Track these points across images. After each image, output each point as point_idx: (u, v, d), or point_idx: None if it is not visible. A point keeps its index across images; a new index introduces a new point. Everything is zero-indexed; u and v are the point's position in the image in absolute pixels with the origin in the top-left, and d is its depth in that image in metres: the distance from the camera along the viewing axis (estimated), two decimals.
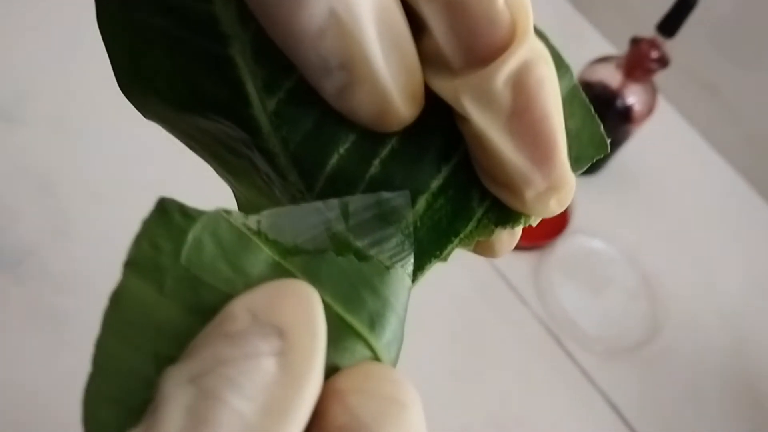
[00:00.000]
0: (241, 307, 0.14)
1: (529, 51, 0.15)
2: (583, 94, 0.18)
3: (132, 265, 0.14)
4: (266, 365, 0.13)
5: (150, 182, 0.61)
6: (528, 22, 0.16)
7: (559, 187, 0.16)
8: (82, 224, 0.60)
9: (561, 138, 0.16)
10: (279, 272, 0.15)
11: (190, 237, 0.15)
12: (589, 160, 0.18)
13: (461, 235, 0.18)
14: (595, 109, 0.66)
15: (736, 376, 0.68)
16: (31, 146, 0.63)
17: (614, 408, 0.61)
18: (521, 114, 0.15)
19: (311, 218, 0.16)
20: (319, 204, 0.16)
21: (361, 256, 0.16)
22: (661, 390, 0.64)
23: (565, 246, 0.68)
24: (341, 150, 0.17)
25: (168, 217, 0.15)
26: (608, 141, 0.18)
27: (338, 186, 0.17)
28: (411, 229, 0.17)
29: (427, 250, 0.17)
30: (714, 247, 0.76)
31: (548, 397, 0.61)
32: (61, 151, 0.63)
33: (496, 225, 0.18)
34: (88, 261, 0.58)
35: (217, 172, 0.20)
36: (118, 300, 0.14)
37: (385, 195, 0.16)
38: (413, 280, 0.17)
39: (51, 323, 0.56)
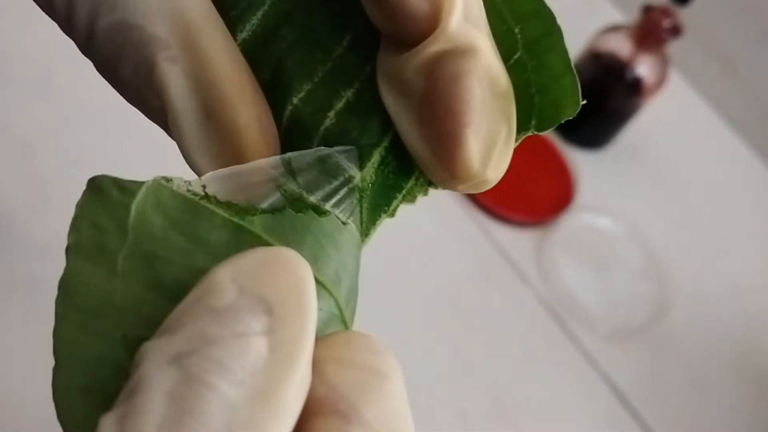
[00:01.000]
0: (226, 277, 0.13)
1: (448, 43, 0.15)
2: (565, 48, 0.18)
3: (76, 249, 0.14)
4: (256, 346, 0.12)
5: (133, 150, 0.60)
6: (450, 14, 0.15)
7: (464, 180, 0.16)
8: (62, 190, 0.59)
9: (467, 136, 0.15)
10: (242, 235, 0.15)
11: (133, 211, 0.14)
12: (556, 120, 0.18)
13: (404, 191, 0.18)
14: (604, 80, 0.63)
15: (745, 359, 0.66)
16: (13, 108, 0.62)
17: (617, 392, 0.60)
18: (428, 107, 0.16)
19: (256, 177, 0.15)
20: (261, 162, 0.15)
21: (320, 211, 0.16)
22: (666, 374, 0.63)
23: (569, 223, 0.67)
24: (295, 100, 0.17)
25: (104, 195, 0.14)
26: (581, 101, 0.18)
27: (293, 137, 0.17)
28: (359, 184, 0.16)
29: (378, 205, 0.17)
30: (725, 226, 0.75)
31: (549, 380, 0.60)
32: (43, 115, 0.62)
33: (429, 184, 0.18)
34: (66, 227, 0.57)
35: None
36: (67, 287, 0.14)
37: (327, 150, 0.16)
38: (366, 236, 0.17)
39: (27, 289, 0.55)
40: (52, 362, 0.14)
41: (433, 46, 0.15)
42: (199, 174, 0.16)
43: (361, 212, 0.17)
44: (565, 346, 0.61)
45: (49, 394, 0.14)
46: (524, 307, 0.62)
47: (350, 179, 0.16)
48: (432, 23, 0.15)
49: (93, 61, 0.16)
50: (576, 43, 0.70)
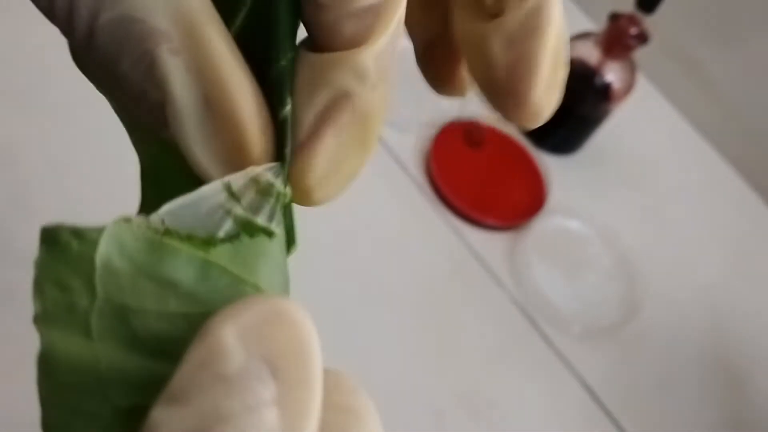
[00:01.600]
0: (230, 337, 0.13)
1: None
2: None
3: (45, 318, 0.13)
4: (268, 417, 0.12)
5: (114, 157, 0.60)
6: (389, 20, 0.17)
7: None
8: (44, 198, 0.59)
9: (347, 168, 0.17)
10: (209, 270, 0.14)
11: (98, 262, 0.13)
12: None
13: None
14: (573, 86, 0.65)
15: (713, 358, 0.68)
16: None
17: (589, 390, 0.61)
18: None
19: (206, 204, 0.15)
20: (203, 190, 0.15)
21: (268, 233, 0.15)
22: (637, 372, 0.64)
23: (541, 226, 0.68)
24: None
25: (63, 248, 0.13)
26: None
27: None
28: (283, 199, 0.16)
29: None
30: (692, 227, 0.77)
31: (522, 380, 0.61)
32: (25, 123, 0.61)
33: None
34: None
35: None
36: (46, 366, 0.13)
37: (258, 170, 0.16)
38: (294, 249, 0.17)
39: (8, 300, 0.55)
40: (33, 374, 0.13)
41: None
42: (201, 172, 0.15)
43: (291, 227, 0.17)
44: (538, 346, 0.62)
45: (26, 407, 0.14)
46: (498, 309, 0.63)
47: (279, 196, 0.16)
48: (373, 27, 0.17)
49: (92, 60, 0.16)
50: None
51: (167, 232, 0.14)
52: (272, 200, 0.16)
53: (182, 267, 0.14)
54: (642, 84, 0.80)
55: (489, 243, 0.66)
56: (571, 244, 0.69)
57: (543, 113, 0.19)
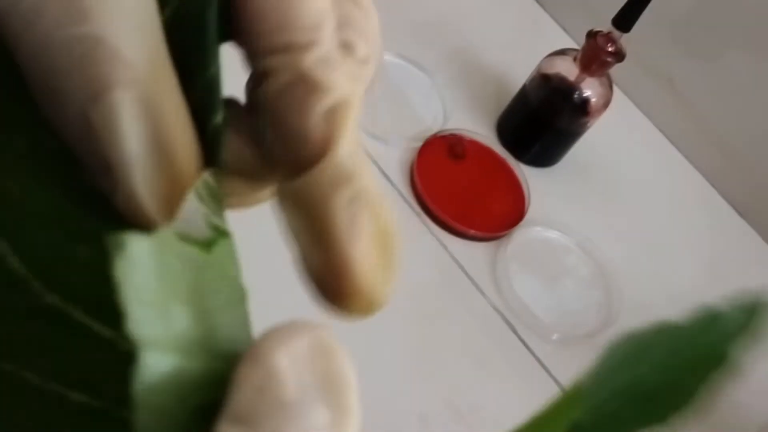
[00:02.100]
0: (284, 363, 0.13)
1: (336, 169, 0.16)
2: None
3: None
4: None
5: None
6: (339, 142, 0.16)
7: (352, 301, 0.18)
8: None
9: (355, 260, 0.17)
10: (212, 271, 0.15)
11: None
12: None
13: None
14: (553, 101, 0.68)
15: None
16: None
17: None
18: (320, 228, 0.17)
19: (190, 208, 0.15)
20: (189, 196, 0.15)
21: (228, 234, 0.16)
22: None
23: (521, 237, 0.69)
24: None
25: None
26: None
27: None
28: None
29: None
30: (668, 238, 0.78)
31: (504, 385, 0.62)
32: None
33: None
34: None
35: None
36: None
37: (206, 175, 0.16)
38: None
39: None
40: None
41: (321, 173, 0.16)
42: (134, 206, 0.15)
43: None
44: (519, 353, 0.64)
45: None
46: (480, 316, 0.64)
47: (221, 197, 0.16)
48: (323, 150, 0.16)
49: (26, 65, 0.15)
50: (528, 66, 0.73)
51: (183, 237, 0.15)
52: (220, 203, 0.16)
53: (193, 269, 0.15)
54: (619, 99, 0.82)
55: (471, 253, 0.67)
56: (551, 254, 0.71)
57: (377, 301, 0.17)
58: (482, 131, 0.75)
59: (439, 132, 0.71)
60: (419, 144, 0.70)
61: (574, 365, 0.64)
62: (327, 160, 0.16)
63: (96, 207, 0.15)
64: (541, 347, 0.64)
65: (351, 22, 0.17)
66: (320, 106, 0.16)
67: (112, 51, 0.14)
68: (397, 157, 0.70)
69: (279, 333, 0.14)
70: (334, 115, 0.16)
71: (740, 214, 0.84)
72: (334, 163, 0.16)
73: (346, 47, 0.17)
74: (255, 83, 0.16)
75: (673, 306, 0.72)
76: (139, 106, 0.14)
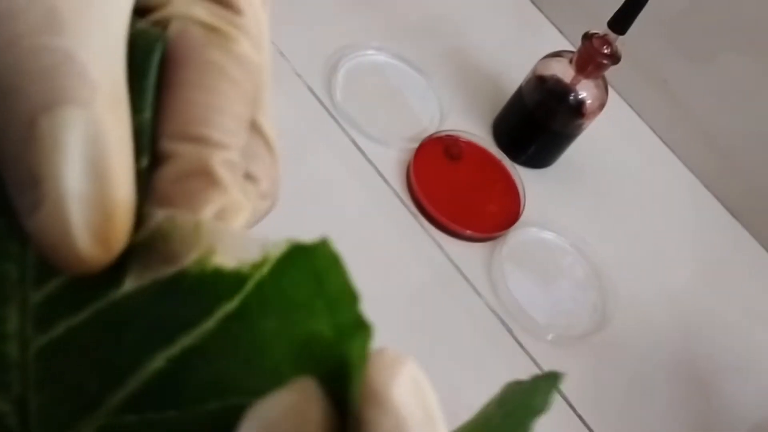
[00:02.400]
0: (406, 399, 0.15)
1: None
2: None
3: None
4: None
5: None
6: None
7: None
8: None
9: None
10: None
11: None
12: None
13: None
14: (548, 103, 0.68)
15: (682, 365, 0.70)
16: None
17: (562, 395, 0.63)
18: None
19: None
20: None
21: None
22: (608, 378, 0.66)
23: (516, 238, 0.70)
24: None
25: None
26: None
27: None
28: None
29: None
30: (662, 239, 0.79)
31: (499, 385, 0.61)
32: None
33: None
34: None
35: None
36: None
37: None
38: None
39: None
40: None
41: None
42: (57, 236, 0.14)
43: None
44: (514, 353, 0.64)
45: None
46: (476, 317, 0.65)
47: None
48: None
49: None
50: (524, 68, 0.74)
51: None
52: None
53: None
54: (614, 101, 0.83)
55: (467, 253, 0.67)
56: (546, 254, 0.71)
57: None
58: (478, 132, 0.75)
59: (435, 133, 0.72)
60: (416, 145, 0.70)
61: (568, 365, 0.65)
62: (199, 245, 0.16)
63: None
64: (536, 347, 0.64)
65: (259, 159, 0.18)
66: (213, 204, 0.16)
67: (79, 68, 0.14)
68: (393, 157, 0.70)
69: (387, 367, 0.15)
70: (223, 215, 0.16)
71: (734, 215, 0.85)
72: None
73: (250, 178, 0.18)
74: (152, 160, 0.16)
75: (667, 307, 0.73)
76: (90, 128, 0.14)
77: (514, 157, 0.75)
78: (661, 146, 0.87)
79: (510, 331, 0.65)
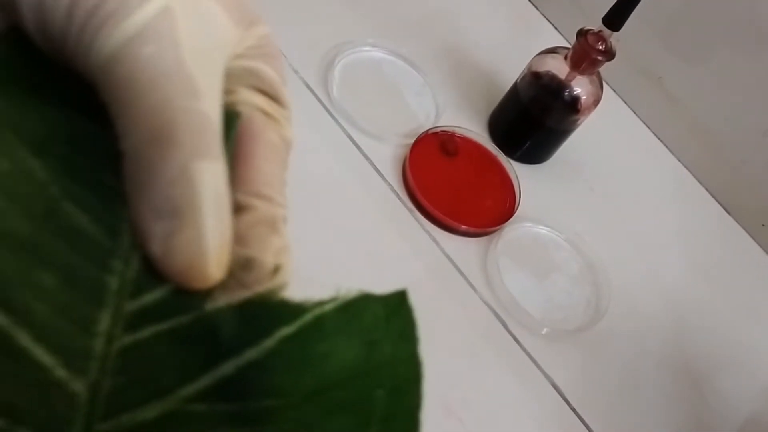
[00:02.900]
0: None
1: None
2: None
3: None
4: None
5: None
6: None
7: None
8: None
9: None
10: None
11: None
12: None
13: None
14: (543, 99, 0.68)
15: (675, 360, 0.70)
16: None
17: (557, 389, 0.63)
18: None
19: None
20: None
21: None
22: (602, 372, 0.67)
23: (511, 233, 0.70)
24: None
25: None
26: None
27: None
28: None
29: None
30: (657, 235, 0.79)
31: (495, 380, 0.63)
32: None
33: None
34: None
35: None
36: None
37: None
38: None
39: None
40: None
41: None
42: (193, 256, 0.19)
43: None
44: (510, 347, 0.64)
45: None
46: (471, 312, 0.65)
47: None
48: (268, 276, 0.22)
49: (136, 119, 0.18)
50: (519, 64, 0.74)
51: None
52: None
53: None
54: (609, 97, 0.83)
55: (463, 249, 0.68)
56: (541, 249, 0.72)
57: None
58: (474, 128, 0.75)
59: (431, 129, 0.72)
60: (411, 141, 0.70)
61: (563, 359, 0.65)
62: (273, 281, 0.21)
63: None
64: (531, 342, 0.65)
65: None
66: (274, 246, 0.21)
67: (215, 128, 0.19)
68: (389, 153, 0.71)
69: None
70: (279, 255, 0.21)
71: (727, 210, 0.85)
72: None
73: None
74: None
75: (660, 301, 0.73)
76: (220, 179, 0.19)
77: (510, 153, 0.75)
78: (656, 142, 0.88)
79: (505, 325, 0.65)
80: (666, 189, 0.85)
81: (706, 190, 0.86)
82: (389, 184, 0.69)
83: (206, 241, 0.18)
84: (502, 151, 0.75)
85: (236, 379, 0.19)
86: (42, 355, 0.18)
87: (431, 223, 0.68)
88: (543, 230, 0.72)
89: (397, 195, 0.68)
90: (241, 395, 0.19)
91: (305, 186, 0.65)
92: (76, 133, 0.19)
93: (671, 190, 0.85)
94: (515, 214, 0.71)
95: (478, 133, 0.75)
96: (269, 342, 0.19)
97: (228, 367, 0.19)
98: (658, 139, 0.88)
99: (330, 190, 0.67)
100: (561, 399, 0.63)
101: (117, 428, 0.18)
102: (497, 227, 0.69)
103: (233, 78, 0.22)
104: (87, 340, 0.18)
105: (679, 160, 0.87)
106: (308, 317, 0.20)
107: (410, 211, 0.68)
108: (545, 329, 0.66)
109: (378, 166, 0.69)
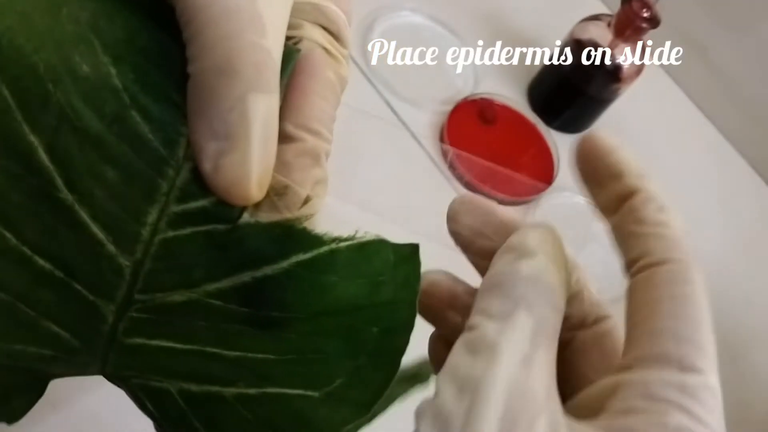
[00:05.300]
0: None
1: None
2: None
3: None
4: None
5: None
6: None
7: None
8: None
9: None
10: None
11: None
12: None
13: None
14: (585, 67, 0.67)
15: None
16: None
17: None
18: None
19: None
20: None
21: None
22: None
23: (549, 202, 0.70)
24: None
25: None
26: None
27: None
28: None
29: None
30: (696, 207, 0.78)
31: None
32: None
33: None
34: None
35: None
36: None
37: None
38: None
39: None
40: None
41: None
42: (239, 176, 0.21)
43: None
44: None
45: None
46: None
47: None
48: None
49: (204, 48, 0.20)
50: (561, 31, 0.73)
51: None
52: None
53: None
54: (651, 66, 0.82)
55: None
56: (578, 219, 0.71)
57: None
58: (513, 96, 0.75)
59: (469, 96, 0.72)
60: (450, 108, 0.70)
61: None
62: (302, 210, 0.24)
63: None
64: None
65: None
66: (315, 177, 0.23)
67: (274, 64, 0.21)
68: (427, 120, 0.70)
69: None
70: (316, 187, 0.23)
71: None
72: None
73: None
74: None
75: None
76: (272, 111, 0.21)
77: (549, 122, 0.75)
78: (698, 113, 0.86)
79: None
80: (706, 161, 0.84)
81: (748, 163, 0.85)
82: (426, 151, 0.69)
83: (251, 166, 0.20)
84: (541, 119, 0.74)
85: (252, 287, 0.22)
86: (98, 231, 0.21)
87: (468, 190, 0.68)
88: (581, 200, 0.72)
89: (435, 162, 0.68)
90: (254, 302, 0.22)
91: (341, 152, 0.65)
92: (152, 46, 0.21)
93: (712, 162, 0.84)
94: (553, 183, 0.70)
95: (517, 101, 0.74)
96: (285, 263, 0.22)
97: (246, 276, 0.22)
98: (700, 109, 0.86)
99: (367, 157, 0.67)
100: None
101: (151, 302, 0.22)
102: (535, 196, 0.69)
103: (301, 12, 0.23)
104: (136, 227, 0.21)
105: (721, 132, 0.86)
106: (324, 249, 0.22)
107: (447, 179, 0.68)
108: None
109: (415, 133, 0.69)
